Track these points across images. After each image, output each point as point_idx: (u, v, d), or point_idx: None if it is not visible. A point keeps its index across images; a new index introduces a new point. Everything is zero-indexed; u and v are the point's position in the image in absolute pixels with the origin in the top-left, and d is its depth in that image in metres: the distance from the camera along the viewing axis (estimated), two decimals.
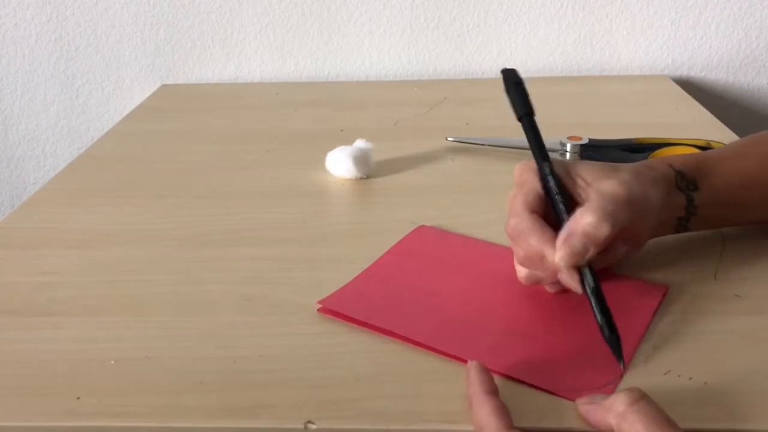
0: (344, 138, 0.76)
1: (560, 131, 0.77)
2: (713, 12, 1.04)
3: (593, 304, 0.46)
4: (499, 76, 0.55)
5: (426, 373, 0.45)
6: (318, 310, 0.51)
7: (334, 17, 1.07)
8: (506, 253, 0.57)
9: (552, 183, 0.50)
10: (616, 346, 0.44)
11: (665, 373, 0.44)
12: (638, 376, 0.43)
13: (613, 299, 0.51)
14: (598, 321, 0.45)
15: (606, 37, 1.06)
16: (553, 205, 0.49)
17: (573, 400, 0.41)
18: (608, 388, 0.42)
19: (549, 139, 0.75)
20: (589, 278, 0.47)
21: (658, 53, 1.06)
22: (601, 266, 0.50)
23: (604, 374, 0.43)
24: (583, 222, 0.47)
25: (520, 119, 0.53)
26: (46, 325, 0.51)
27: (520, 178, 0.51)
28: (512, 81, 0.53)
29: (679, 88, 1.00)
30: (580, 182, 0.50)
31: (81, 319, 0.52)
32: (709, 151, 0.58)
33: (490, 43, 1.07)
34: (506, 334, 0.48)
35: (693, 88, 1.07)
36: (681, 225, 0.54)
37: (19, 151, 1.16)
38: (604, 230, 0.46)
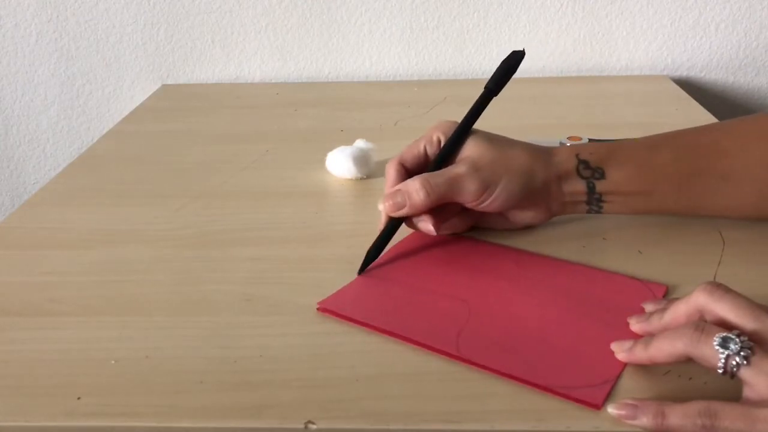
0: (344, 138, 0.76)
1: (560, 131, 0.77)
2: (713, 12, 1.04)
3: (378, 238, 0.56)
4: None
5: (426, 373, 0.45)
6: (317, 309, 0.51)
7: (334, 17, 1.07)
8: (504, 252, 0.58)
9: (444, 147, 0.57)
10: (366, 260, 0.55)
11: (665, 373, 0.44)
12: (638, 376, 0.44)
13: (613, 299, 0.51)
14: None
15: (606, 38, 1.06)
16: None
17: (569, 398, 0.42)
18: (605, 386, 0.42)
19: (549, 139, 0.76)
20: (389, 227, 0.56)
21: (657, 53, 1.06)
22: (452, 229, 0.59)
23: (601, 373, 0.43)
24: (410, 183, 0.55)
25: (485, 88, 0.59)
26: (46, 325, 0.51)
27: (425, 133, 0.59)
28: (511, 61, 0.59)
29: (678, 89, 1.00)
30: (462, 152, 0.56)
31: (81, 319, 0.52)
32: (625, 140, 0.61)
33: (490, 43, 1.07)
34: (504, 332, 0.48)
35: (693, 88, 1.07)
36: (591, 209, 0.58)
37: (20, 151, 1.16)
38: (421, 197, 0.54)
